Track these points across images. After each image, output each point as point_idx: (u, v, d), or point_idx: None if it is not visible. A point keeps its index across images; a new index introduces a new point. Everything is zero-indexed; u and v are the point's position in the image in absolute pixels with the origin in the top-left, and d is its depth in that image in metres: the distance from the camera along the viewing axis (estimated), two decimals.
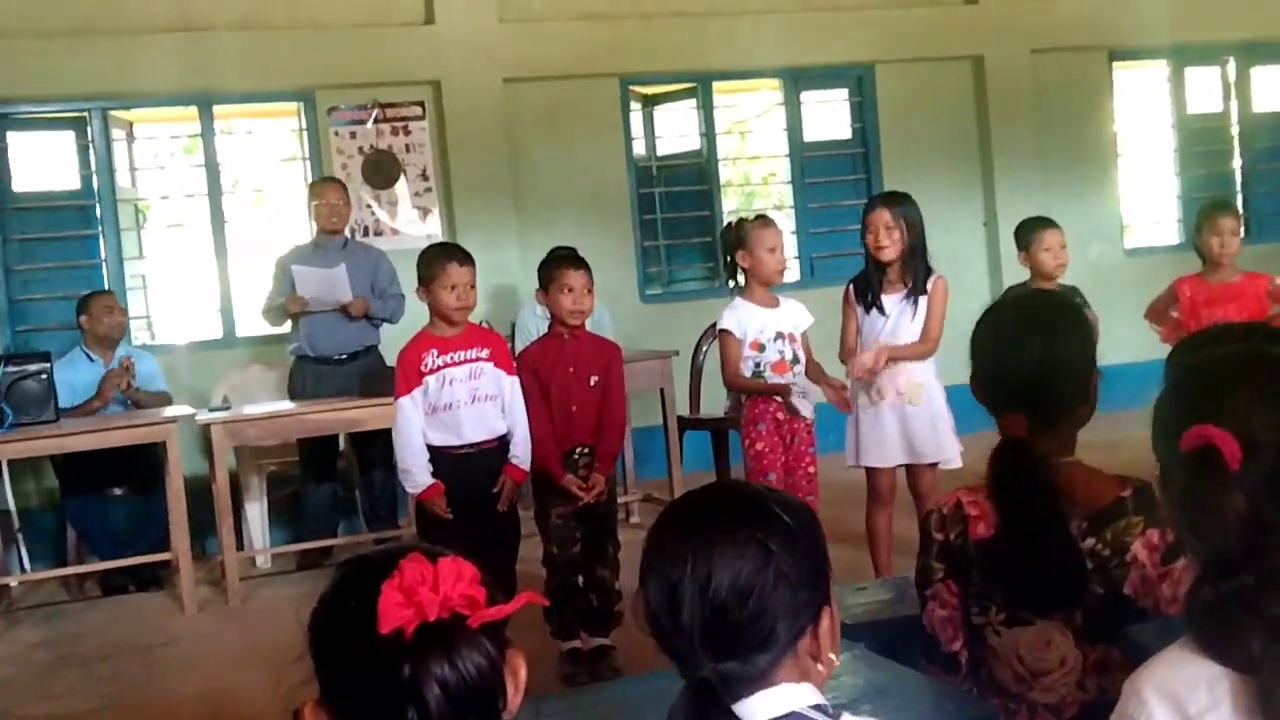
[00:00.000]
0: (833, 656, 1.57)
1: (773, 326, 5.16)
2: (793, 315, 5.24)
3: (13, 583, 6.96)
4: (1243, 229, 5.78)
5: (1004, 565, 2.23)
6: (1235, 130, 10.52)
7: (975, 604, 2.28)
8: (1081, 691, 2.16)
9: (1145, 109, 10.46)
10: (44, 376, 6.46)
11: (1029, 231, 5.83)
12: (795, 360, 5.17)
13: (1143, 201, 10.54)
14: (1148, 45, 9.93)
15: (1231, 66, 10.43)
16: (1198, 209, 6.50)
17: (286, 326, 7.21)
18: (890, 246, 5.20)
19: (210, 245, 8.36)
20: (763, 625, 1.49)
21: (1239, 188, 10.47)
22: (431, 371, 4.71)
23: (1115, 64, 10.10)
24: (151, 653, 5.77)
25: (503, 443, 4.80)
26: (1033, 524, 2.19)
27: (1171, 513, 1.61)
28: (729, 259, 5.25)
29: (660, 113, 9.60)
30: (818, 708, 1.53)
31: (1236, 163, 10.54)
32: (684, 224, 9.32)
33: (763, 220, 5.33)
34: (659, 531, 1.60)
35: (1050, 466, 2.22)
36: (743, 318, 5.15)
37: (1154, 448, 1.65)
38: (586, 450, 4.91)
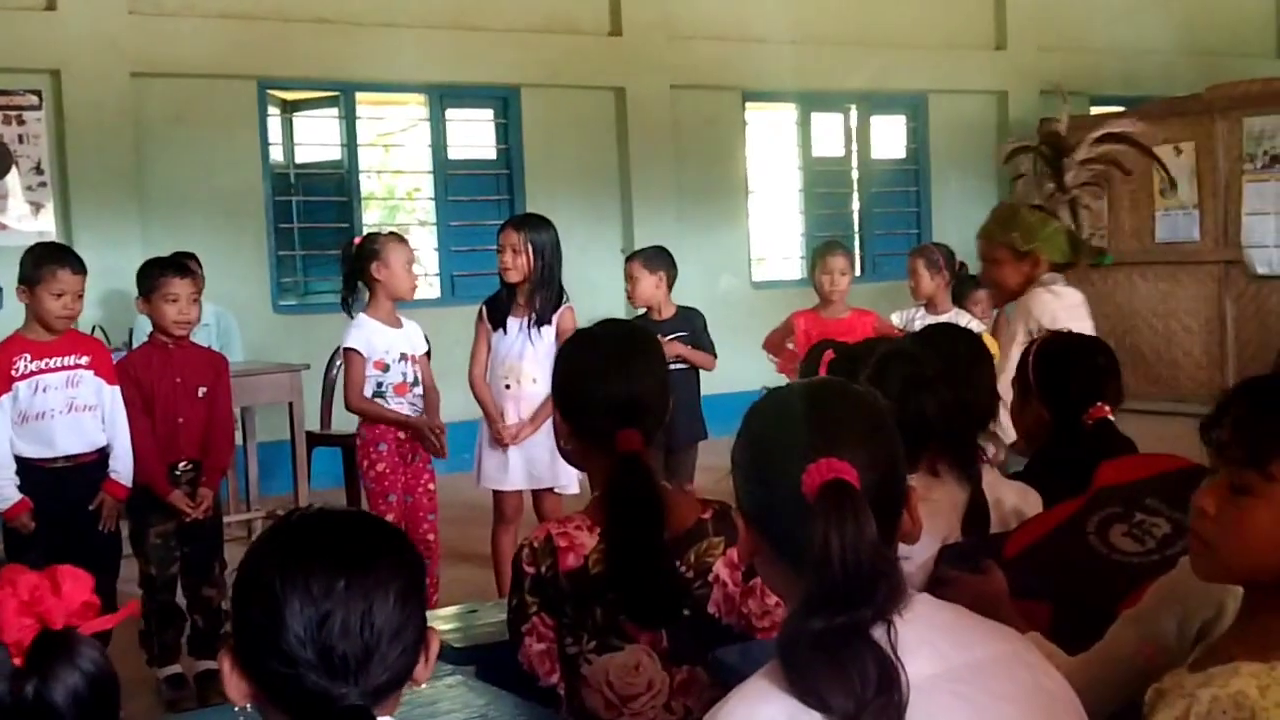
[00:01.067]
0: None
1: (398, 347, 5.07)
2: (412, 337, 5.17)
3: None
4: (857, 268, 6.16)
5: (603, 589, 2.22)
6: (855, 174, 11.21)
7: (569, 635, 2.28)
8: (669, 714, 2.20)
9: (775, 149, 11.00)
10: None
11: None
12: (416, 383, 5.09)
13: (771, 237, 11.06)
14: (778, 89, 10.42)
15: (853, 114, 11.12)
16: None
17: None
18: (515, 270, 5.21)
19: None
20: (407, 651, 1.45)
21: (856, 228, 11.15)
22: (23, 377, 4.37)
23: (749, 105, 10.56)
24: None
25: (102, 456, 4.51)
26: (642, 541, 2.20)
27: (767, 544, 1.55)
28: (351, 274, 5.11)
29: (300, 119, 9.34)
30: None
31: (855, 204, 11.23)
32: (323, 234, 9.06)
33: (398, 236, 5.28)
34: (293, 562, 1.45)
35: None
36: (370, 336, 5.02)
37: (747, 480, 1.58)
38: (191, 466, 4.71)
